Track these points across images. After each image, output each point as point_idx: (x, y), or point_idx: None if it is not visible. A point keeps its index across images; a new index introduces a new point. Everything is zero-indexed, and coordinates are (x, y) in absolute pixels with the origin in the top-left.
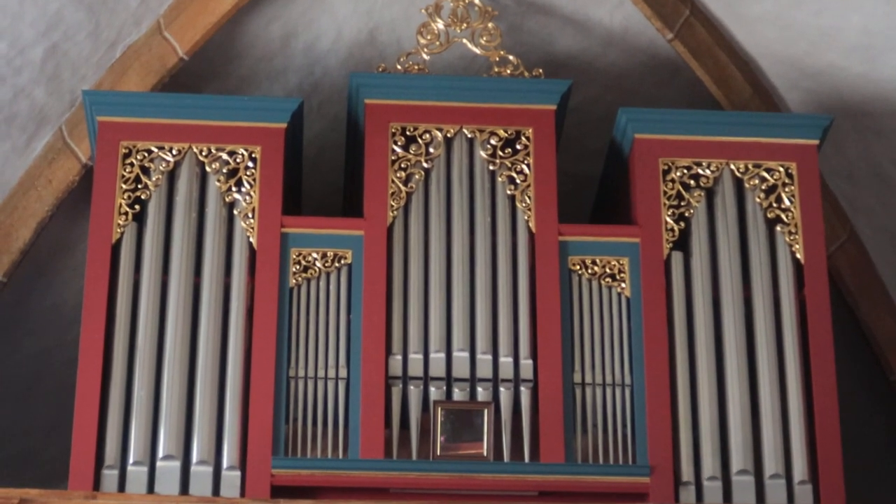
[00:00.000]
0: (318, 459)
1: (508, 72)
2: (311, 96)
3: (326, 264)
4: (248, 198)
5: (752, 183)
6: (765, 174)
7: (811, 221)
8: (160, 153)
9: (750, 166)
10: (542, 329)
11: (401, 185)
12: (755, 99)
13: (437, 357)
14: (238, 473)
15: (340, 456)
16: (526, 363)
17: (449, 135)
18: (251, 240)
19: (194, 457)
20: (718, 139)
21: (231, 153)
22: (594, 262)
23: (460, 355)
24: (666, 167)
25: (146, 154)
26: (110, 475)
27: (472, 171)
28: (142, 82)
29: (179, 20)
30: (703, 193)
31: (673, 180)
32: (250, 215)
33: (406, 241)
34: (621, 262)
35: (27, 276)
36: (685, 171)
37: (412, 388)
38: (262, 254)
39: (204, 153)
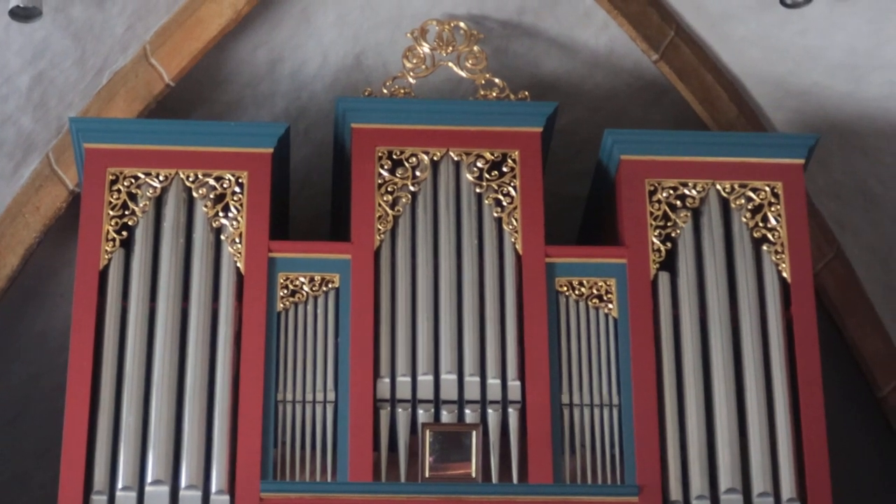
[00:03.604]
0: (306, 483)
1: (494, 95)
2: (298, 121)
3: (314, 288)
4: (235, 223)
5: (738, 203)
6: (751, 194)
7: (797, 240)
8: (147, 179)
9: (736, 186)
10: (529, 351)
11: (388, 209)
12: (741, 119)
13: (425, 379)
14: (227, 498)
15: (329, 479)
16: (514, 385)
17: (435, 158)
18: (238, 265)
19: (183, 481)
20: (704, 159)
21: (218, 178)
22: (581, 284)
23: (448, 378)
24: (652, 188)
25: (133, 180)
26: (99, 500)
27: (459, 194)
28: (128, 109)
29: (165, 46)
30: (689, 214)
31: (659, 201)
32: (237, 240)
33: (393, 264)
34: (608, 283)
35: (15, 303)
36: (671, 191)
37: (400, 410)
38: (250, 278)
39: (191, 179)
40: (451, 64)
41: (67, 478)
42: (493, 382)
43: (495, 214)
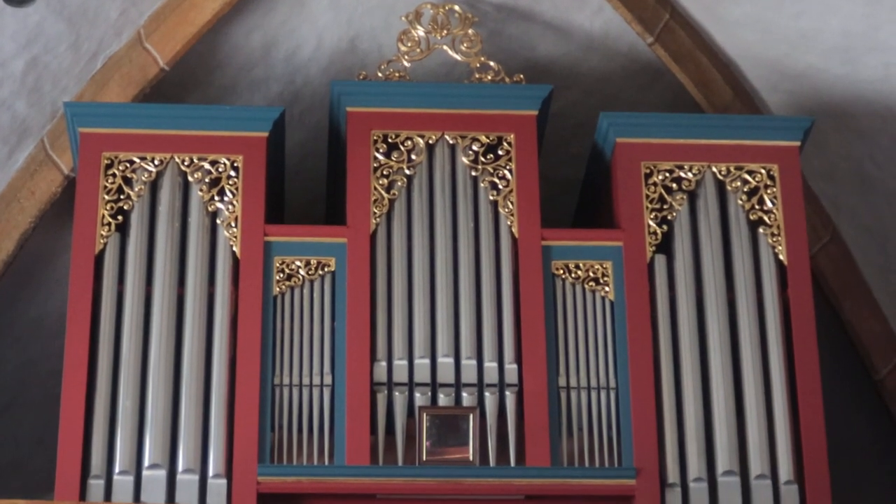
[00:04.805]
0: (304, 466)
1: (489, 78)
2: (293, 105)
3: (310, 272)
4: (230, 207)
5: (734, 185)
6: (747, 176)
7: (794, 223)
8: (142, 164)
9: (732, 169)
10: (526, 333)
11: (383, 193)
12: (736, 102)
13: (422, 363)
14: (224, 482)
15: (326, 463)
16: (510, 368)
17: (431, 141)
18: (234, 249)
19: (180, 465)
20: (700, 142)
21: (213, 163)
22: (577, 267)
23: (445, 361)
24: (648, 171)
25: (128, 165)
26: (96, 485)
27: (455, 178)
28: (123, 93)
29: (160, 31)
30: (685, 196)
31: (655, 184)
32: (233, 224)
33: (389, 247)
34: (605, 265)
35: (11, 288)
36: (667, 174)
37: (397, 394)
38: (246, 263)
39: (186, 163)
40: (445, 47)
41: (64, 463)
42: (490, 365)
43: (491, 198)
